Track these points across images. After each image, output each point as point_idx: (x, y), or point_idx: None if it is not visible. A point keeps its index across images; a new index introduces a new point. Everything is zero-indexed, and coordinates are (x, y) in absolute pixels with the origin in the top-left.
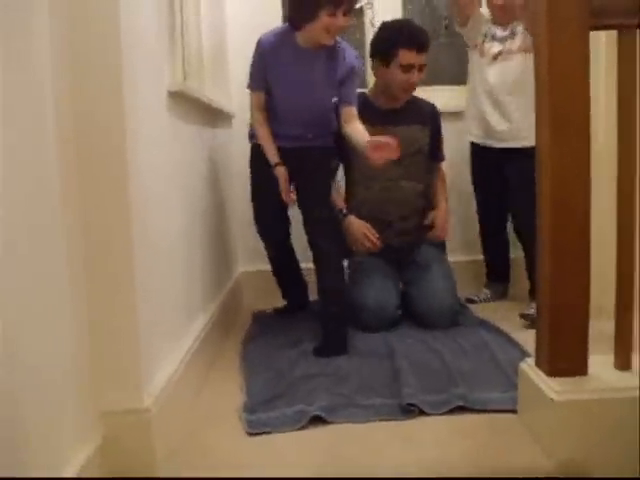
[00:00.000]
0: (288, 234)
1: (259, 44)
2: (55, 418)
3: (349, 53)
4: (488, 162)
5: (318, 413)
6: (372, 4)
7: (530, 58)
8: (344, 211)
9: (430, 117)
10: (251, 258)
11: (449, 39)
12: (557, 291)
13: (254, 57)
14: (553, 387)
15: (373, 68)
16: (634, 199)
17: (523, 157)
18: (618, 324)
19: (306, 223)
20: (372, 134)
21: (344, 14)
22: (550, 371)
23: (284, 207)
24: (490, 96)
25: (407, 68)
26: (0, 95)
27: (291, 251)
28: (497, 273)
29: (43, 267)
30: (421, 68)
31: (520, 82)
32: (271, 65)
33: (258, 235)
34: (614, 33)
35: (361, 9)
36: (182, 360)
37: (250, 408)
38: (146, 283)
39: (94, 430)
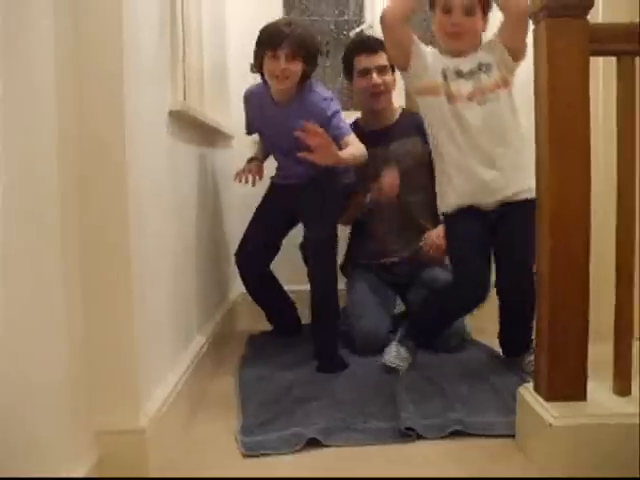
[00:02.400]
0: (266, 267)
1: (244, 96)
2: (50, 437)
3: (318, 98)
4: (475, 226)
5: (315, 436)
6: (372, 26)
7: (510, 94)
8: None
9: (421, 126)
10: None
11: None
12: (555, 317)
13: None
14: (551, 412)
15: (351, 87)
16: (634, 223)
17: (520, 213)
18: (617, 349)
19: (306, 245)
20: (372, 156)
21: (288, 58)
22: (549, 396)
23: (275, 238)
24: (475, 148)
25: (364, 72)
26: (3, 112)
27: (270, 281)
28: None
29: (40, 286)
30: (381, 70)
31: (507, 126)
32: (253, 116)
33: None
34: (612, 58)
35: (362, 33)
36: (178, 381)
37: (246, 430)
38: (144, 303)
39: (89, 450)
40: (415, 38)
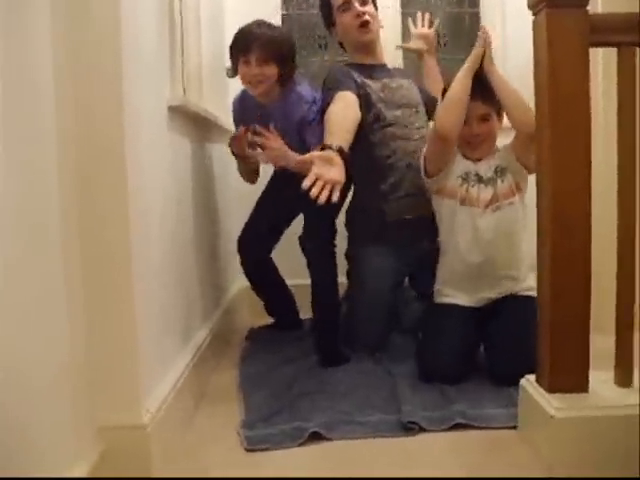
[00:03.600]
0: (267, 253)
1: (232, 104)
2: (51, 433)
3: (299, 101)
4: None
5: (317, 429)
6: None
7: (522, 199)
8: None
9: (410, 74)
10: None
11: (448, 56)
12: (557, 307)
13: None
14: (553, 404)
15: (335, 37)
16: (634, 215)
17: (518, 306)
18: (618, 341)
19: (305, 245)
20: (385, 86)
21: (260, 62)
22: (550, 387)
23: (279, 223)
24: (483, 250)
25: (345, 6)
26: (2, 110)
27: (270, 269)
28: None
29: (41, 281)
30: (361, 1)
31: (517, 230)
32: (241, 122)
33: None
34: (612, 50)
35: None
36: (180, 376)
37: (248, 424)
38: (145, 299)
39: (91, 446)
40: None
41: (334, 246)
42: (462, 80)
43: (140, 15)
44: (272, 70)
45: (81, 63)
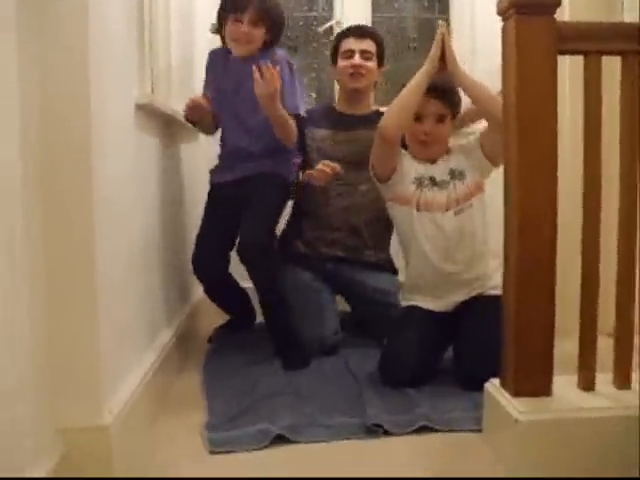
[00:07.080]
0: (224, 269)
1: (208, 54)
2: (11, 435)
3: (283, 56)
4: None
5: (281, 432)
6: (341, 23)
7: (482, 198)
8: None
9: None
10: None
11: (417, 61)
12: (522, 312)
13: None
14: (517, 407)
15: (334, 75)
16: (598, 220)
17: (485, 306)
18: (582, 345)
19: (240, 251)
20: (332, 137)
21: (251, 23)
22: (515, 391)
23: (227, 241)
24: (445, 252)
25: (347, 54)
26: None
27: (229, 285)
28: None
29: (2, 282)
30: (365, 55)
31: (478, 230)
32: (211, 74)
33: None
34: (579, 58)
35: (331, 29)
36: (143, 377)
37: (212, 426)
38: (108, 297)
39: (52, 447)
40: (400, 151)
41: (271, 256)
42: (416, 82)
43: (108, 12)
44: (261, 32)
45: (48, 60)
